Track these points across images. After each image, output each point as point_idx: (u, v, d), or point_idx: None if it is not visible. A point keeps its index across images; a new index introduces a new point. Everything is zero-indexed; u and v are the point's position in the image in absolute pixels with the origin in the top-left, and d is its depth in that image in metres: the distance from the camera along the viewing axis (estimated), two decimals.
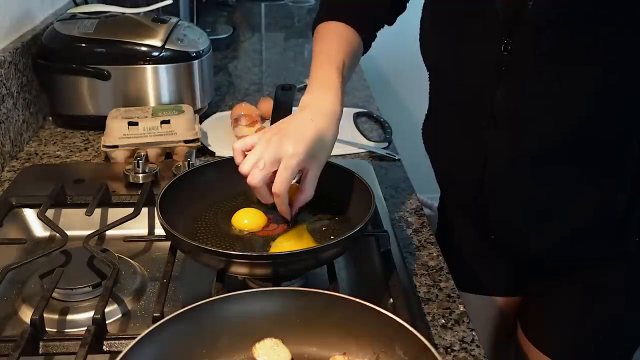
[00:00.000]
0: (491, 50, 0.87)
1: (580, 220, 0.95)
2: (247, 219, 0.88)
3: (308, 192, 0.86)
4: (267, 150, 0.80)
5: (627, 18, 0.80)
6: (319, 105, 0.86)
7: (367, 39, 1.04)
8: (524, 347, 1.13)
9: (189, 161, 1.08)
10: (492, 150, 0.94)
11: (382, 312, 0.66)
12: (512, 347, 1.15)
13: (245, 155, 0.83)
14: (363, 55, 1.07)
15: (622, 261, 1.00)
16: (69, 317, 0.81)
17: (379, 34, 1.15)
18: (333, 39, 0.98)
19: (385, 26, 1.12)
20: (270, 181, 0.82)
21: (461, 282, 0.95)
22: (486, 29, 0.88)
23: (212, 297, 0.69)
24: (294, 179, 0.82)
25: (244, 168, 0.81)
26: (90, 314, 0.74)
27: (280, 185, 0.80)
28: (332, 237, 0.85)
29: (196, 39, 1.37)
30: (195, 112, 1.29)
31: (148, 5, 1.38)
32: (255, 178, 0.80)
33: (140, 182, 1.09)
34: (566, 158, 0.91)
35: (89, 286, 0.83)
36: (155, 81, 1.31)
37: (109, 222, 0.98)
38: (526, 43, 0.84)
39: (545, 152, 0.90)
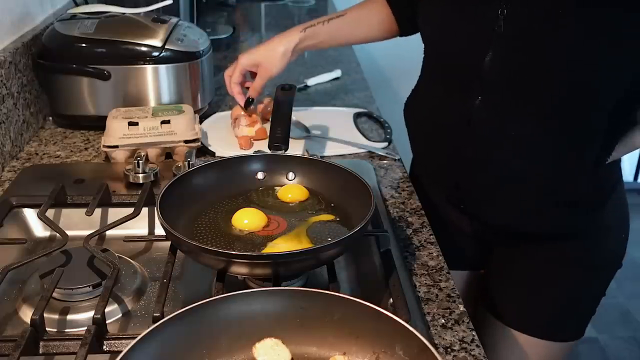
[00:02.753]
0: (487, 13, 0.93)
1: (547, 192, 1.01)
2: (247, 219, 0.89)
3: (250, 92, 1.28)
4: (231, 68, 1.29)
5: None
6: (281, 35, 1.25)
7: (403, 20, 1.22)
8: (484, 320, 1.20)
9: (189, 161, 1.08)
10: (476, 117, 1.00)
11: (382, 312, 0.66)
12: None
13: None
14: (407, 35, 1.25)
15: (580, 236, 1.07)
16: (69, 317, 0.81)
17: None
18: (355, 7, 1.26)
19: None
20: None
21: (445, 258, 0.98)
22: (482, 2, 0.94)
23: (212, 297, 0.69)
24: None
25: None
26: (91, 314, 0.74)
27: (229, 81, 1.28)
28: (329, 239, 0.85)
29: (196, 39, 1.37)
30: (195, 112, 1.29)
31: (148, 5, 1.37)
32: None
33: (140, 182, 1.09)
34: (542, 128, 0.97)
35: (89, 286, 0.83)
36: (156, 81, 1.31)
37: (109, 222, 0.98)
38: (522, 7, 0.91)
39: (525, 119, 0.97)
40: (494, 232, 1.15)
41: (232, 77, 1.27)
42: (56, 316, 0.81)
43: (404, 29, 1.24)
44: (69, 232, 0.91)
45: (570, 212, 1.04)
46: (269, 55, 1.23)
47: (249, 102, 1.28)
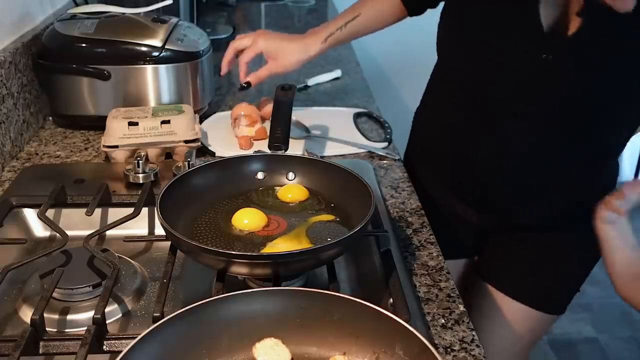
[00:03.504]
0: (528, 58, 1.00)
1: (568, 198, 1.13)
2: (247, 219, 0.89)
3: (252, 77, 1.29)
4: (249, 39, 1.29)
5: None
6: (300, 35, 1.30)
7: (410, 4, 1.26)
8: (480, 289, 1.28)
9: (189, 161, 1.08)
10: (508, 136, 1.07)
11: (382, 312, 0.66)
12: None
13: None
14: (414, 15, 1.29)
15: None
16: (69, 317, 0.81)
17: (380, 34, 1.23)
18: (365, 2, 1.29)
19: (387, 27, 1.30)
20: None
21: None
22: (526, 40, 1.00)
23: (212, 297, 0.69)
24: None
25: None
26: (91, 314, 0.74)
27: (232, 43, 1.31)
28: (329, 239, 0.85)
29: (196, 39, 1.37)
30: (195, 112, 1.29)
31: (148, 5, 1.37)
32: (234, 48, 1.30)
33: (140, 182, 1.09)
34: (572, 146, 1.06)
35: (89, 286, 0.83)
36: (156, 81, 1.31)
37: (109, 222, 0.98)
38: (567, 55, 0.98)
39: (559, 141, 1.06)
40: (505, 224, 1.21)
41: (244, 55, 1.28)
42: (56, 316, 0.81)
43: (412, 12, 1.29)
44: (69, 232, 0.91)
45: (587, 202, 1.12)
46: (287, 55, 1.27)
47: (244, 87, 1.30)
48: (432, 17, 1.22)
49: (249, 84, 1.30)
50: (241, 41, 1.30)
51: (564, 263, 1.22)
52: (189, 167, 1.05)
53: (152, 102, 1.32)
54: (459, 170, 1.18)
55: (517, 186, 1.13)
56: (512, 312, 1.25)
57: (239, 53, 1.31)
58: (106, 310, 0.76)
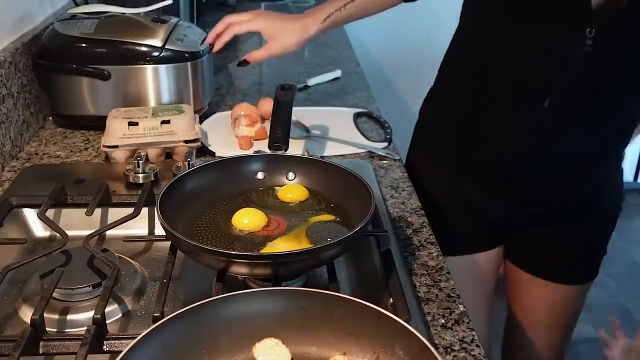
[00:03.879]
0: (571, 39, 1.00)
1: (598, 165, 1.18)
2: (247, 219, 0.89)
3: (250, 56, 1.25)
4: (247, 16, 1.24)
5: None
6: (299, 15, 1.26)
7: None
8: (515, 275, 1.34)
9: (189, 161, 1.08)
10: (542, 121, 1.08)
11: (382, 312, 0.66)
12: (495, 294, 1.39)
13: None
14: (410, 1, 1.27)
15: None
16: (69, 317, 0.81)
17: (380, 34, 1.21)
18: None
19: (387, 27, 1.24)
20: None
21: (442, 246, 1.01)
22: (574, 18, 0.99)
23: (212, 297, 0.69)
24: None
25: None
26: (91, 314, 0.74)
27: (236, 27, 1.24)
28: (328, 239, 0.85)
29: (196, 39, 1.37)
30: (195, 112, 1.29)
31: (148, 5, 1.37)
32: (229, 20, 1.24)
33: (140, 182, 1.09)
34: (607, 119, 1.10)
35: (89, 286, 0.83)
36: (156, 81, 1.31)
37: (109, 222, 0.98)
38: (610, 35, 0.98)
39: (593, 116, 1.08)
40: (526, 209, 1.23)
41: (239, 27, 1.24)
42: (56, 316, 0.81)
43: None
44: (69, 232, 0.91)
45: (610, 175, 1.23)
46: (287, 35, 1.23)
47: (243, 63, 1.27)
48: (432, 17, 1.23)
49: (246, 62, 1.27)
50: (238, 16, 1.26)
51: (587, 235, 1.26)
52: (189, 167, 1.05)
53: (152, 102, 1.32)
54: (483, 159, 1.18)
55: (545, 174, 1.14)
56: (551, 292, 1.29)
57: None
58: (106, 310, 0.76)
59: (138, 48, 1.29)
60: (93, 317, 0.73)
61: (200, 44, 1.32)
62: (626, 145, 1.20)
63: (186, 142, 1.19)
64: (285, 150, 1.01)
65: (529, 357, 1.38)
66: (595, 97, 1.06)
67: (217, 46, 1.27)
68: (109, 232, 0.95)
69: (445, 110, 1.27)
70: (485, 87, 1.15)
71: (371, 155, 1.27)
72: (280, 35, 1.23)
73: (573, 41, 1.00)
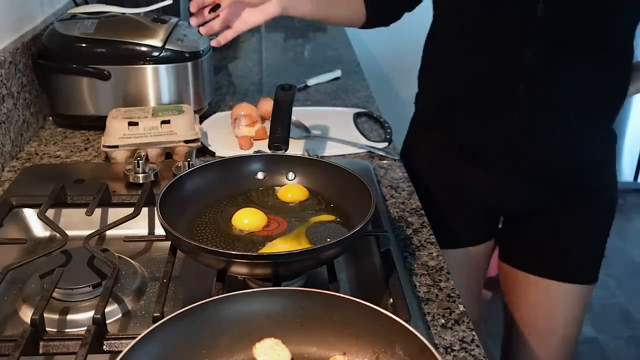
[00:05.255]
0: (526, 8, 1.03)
1: (592, 125, 1.17)
2: (247, 219, 0.88)
3: (237, 24, 1.11)
4: None
5: None
6: None
7: (370, 8, 1.21)
8: (511, 277, 1.33)
9: (189, 161, 1.08)
10: (527, 65, 1.07)
11: (382, 312, 0.66)
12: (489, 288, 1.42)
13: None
14: (362, 26, 1.24)
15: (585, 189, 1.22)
16: (69, 317, 0.81)
17: (380, 34, 1.21)
18: None
19: (387, 27, 1.24)
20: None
21: (438, 239, 1.02)
22: None
23: (212, 297, 0.69)
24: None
25: None
26: (91, 314, 0.74)
27: None
28: (328, 239, 0.85)
29: (196, 39, 1.37)
30: (195, 112, 1.29)
31: (148, 5, 1.37)
32: None
33: (140, 182, 1.09)
34: (593, 65, 1.08)
35: (89, 286, 0.83)
36: (156, 81, 1.31)
37: (109, 222, 0.98)
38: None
39: (579, 60, 1.07)
40: (537, 183, 1.22)
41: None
42: (56, 316, 0.81)
43: (371, 19, 1.24)
44: (69, 232, 0.91)
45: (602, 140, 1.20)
46: None
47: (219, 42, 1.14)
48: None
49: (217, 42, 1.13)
50: None
51: (585, 231, 1.25)
52: (189, 167, 1.05)
53: (152, 102, 1.32)
54: (477, 133, 1.18)
55: (536, 149, 1.15)
56: (551, 292, 1.28)
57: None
58: (106, 310, 0.76)
59: (138, 48, 1.29)
60: (93, 317, 0.73)
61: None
62: (613, 114, 1.19)
63: (186, 142, 1.19)
64: (285, 150, 1.01)
65: None
66: (566, 69, 1.06)
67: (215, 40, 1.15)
68: (109, 232, 0.95)
69: (435, 84, 1.26)
70: (466, 62, 1.16)
71: (371, 155, 1.27)
72: None
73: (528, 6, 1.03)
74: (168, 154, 1.21)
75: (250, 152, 1.18)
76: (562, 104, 1.10)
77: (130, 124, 1.18)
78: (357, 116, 1.44)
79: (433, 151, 1.28)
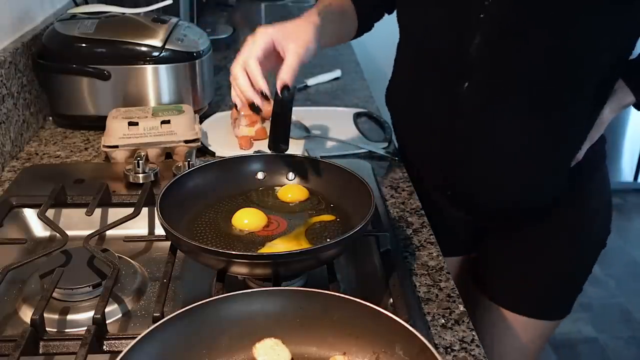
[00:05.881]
0: (471, 2, 0.95)
1: (536, 169, 1.05)
2: (247, 219, 0.89)
3: (283, 74, 0.90)
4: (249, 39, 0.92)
5: None
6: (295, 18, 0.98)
7: (362, 20, 1.17)
8: (478, 302, 1.24)
9: (189, 161, 1.08)
10: (464, 103, 1.01)
11: (382, 312, 0.66)
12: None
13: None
14: (355, 37, 1.20)
15: (567, 218, 1.13)
16: (69, 317, 0.81)
17: (380, 34, 1.20)
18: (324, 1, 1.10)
19: (388, 27, 1.22)
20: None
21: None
22: None
23: (212, 297, 0.69)
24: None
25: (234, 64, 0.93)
26: (91, 314, 0.75)
27: (246, 52, 0.90)
28: (328, 240, 0.85)
29: (196, 39, 1.37)
30: (195, 112, 1.29)
31: (148, 5, 1.37)
32: (236, 62, 0.92)
33: (140, 182, 1.09)
34: (527, 109, 0.99)
35: (89, 286, 0.83)
36: (156, 81, 1.31)
37: (109, 222, 0.98)
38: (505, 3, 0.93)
39: (512, 102, 0.99)
40: (483, 216, 1.18)
41: (253, 50, 0.90)
42: (56, 316, 0.81)
43: (362, 26, 1.20)
44: (69, 232, 0.91)
45: (559, 182, 1.08)
46: (299, 34, 0.93)
47: (283, 97, 0.94)
48: None
49: (287, 87, 0.92)
50: (241, 57, 0.93)
51: (558, 263, 1.17)
52: (189, 167, 1.05)
53: (152, 102, 1.32)
54: (433, 153, 1.12)
55: (487, 164, 1.06)
56: (511, 323, 1.20)
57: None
58: (106, 310, 0.77)
59: (138, 48, 1.29)
60: (93, 317, 0.74)
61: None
62: (569, 141, 1.04)
63: (186, 142, 1.19)
64: (285, 150, 1.01)
65: None
66: (513, 76, 0.97)
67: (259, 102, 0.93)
68: (109, 232, 0.95)
69: (396, 102, 1.23)
70: (412, 75, 1.14)
71: (371, 155, 1.27)
72: (300, 32, 0.92)
73: (472, 10, 0.96)
74: (168, 154, 1.21)
75: (250, 152, 1.18)
76: (500, 145, 1.03)
77: (130, 124, 1.18)
78: (357, 116, 1.45)
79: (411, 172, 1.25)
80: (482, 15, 0.95)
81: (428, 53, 1.07)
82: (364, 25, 1.19)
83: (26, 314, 0.81)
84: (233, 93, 0.95)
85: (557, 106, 0.99)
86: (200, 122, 1.31)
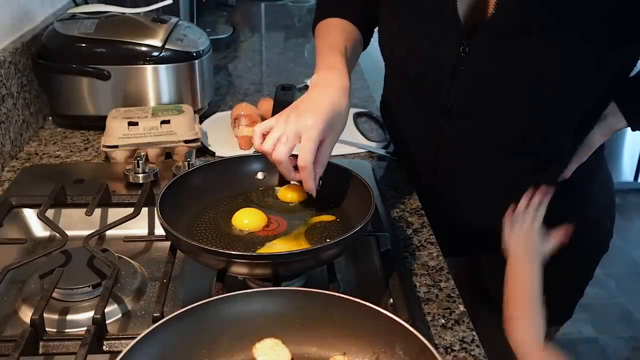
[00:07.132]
0: (449, 51, 0.94)
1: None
2: (247, 219, 0.88)
3: (324, 161, 0.88)
4: (288, 126, 0.84)
5: (577, 29, 0.86)
6: (328, 82, 0.93)
7: (365, 33, 1.13)
8: (479, 311, 1.19)
9: (189, 161, 1.08)
10: (445, 138, 1.02)
11: (382, 312, 0.66)
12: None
13: (264, 137, 0.86)
14: (363, 50, 1.17)
15: (565, 215, 1.06)
16: (69, 317, 0.81)
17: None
18: (334, 31, 1.06)
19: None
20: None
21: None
22: (446, 33, 0.94)
23: (212, 297, 0.69)
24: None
25: (267, 145, 0.84)
26: (90, 314, 0.74)
27: (306, 156, 0.83)
28: (328, 240, 0.85)
29: (196, 39, 1.37)
30: (195, 112, 1.29)
31: (148, 5, 1.37)
32: (280, 152, 0.83)
33: (140, 182, 1.09)
34: (509, 150, 0.99)
35: (89, 286, 0.83)
36: (155, 81, 1.31)
37: (109, 222, 0.98)
38: (482, 47, 0.92)
39: (492, 144, 0.99)
40: (478, 235, 1.16)
41: (289, 149, 0.84)
42: (56, 316, 0.81)
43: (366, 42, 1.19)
44: (69, 232, 0.91)
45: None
46: (339, 120, 0.92)
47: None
48: None
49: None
50: (274, 134, 0.85)
51: (560, 269, 1.10)
52: (189, 167, 1.05)
53: (152, 102, 1.32)
54: (423, 167, 1.12)
55: (455, 189, 1.07)
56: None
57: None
58: (106, 310, 0.76)
59: (138, 48, 1.29)
60: (93, 317, 0.73)
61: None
62: (549, 169, 1.03)
63: (186, 142, 1.19)
64: None
65: None
66: (490, 123, 0.97)
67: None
68: (108, 232, 0.95)
69: (390, 116, 1.24)
70: (399, 95, 1.14)
71: (371, 155, 1.27)
72: (329, 124, 0.88)
73: (450, 59, 0.94)
74: (168, 154, 1.21)
75: (250, 152, 1.18)
76: (479, 179, 1.03)
77: (130, 124, 1.18)
78: (357, 116, 1.44)
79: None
80: (462, 68, 0.94)
81: (410, 85, 1.07)
82: (367, 39, 1.19)
83: (26, 314, 0.81)
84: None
85: (536, 143, 0.99)
86: (200, 122, 1.31)
